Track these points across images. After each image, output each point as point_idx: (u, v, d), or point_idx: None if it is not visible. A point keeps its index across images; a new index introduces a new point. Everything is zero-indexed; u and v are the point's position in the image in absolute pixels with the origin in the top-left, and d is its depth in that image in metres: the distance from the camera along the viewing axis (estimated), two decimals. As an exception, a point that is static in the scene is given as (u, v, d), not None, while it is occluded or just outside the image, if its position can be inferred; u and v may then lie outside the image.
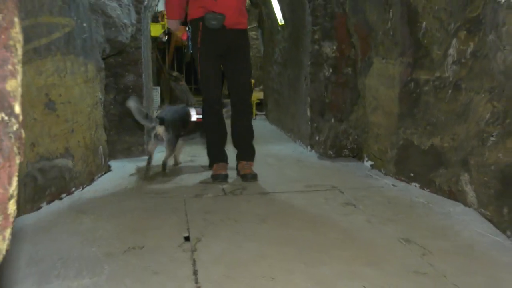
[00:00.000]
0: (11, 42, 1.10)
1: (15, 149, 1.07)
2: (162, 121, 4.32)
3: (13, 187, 1.08)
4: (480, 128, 3.25)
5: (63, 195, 3.61)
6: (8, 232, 1.10)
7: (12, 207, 1.10)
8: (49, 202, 3.44)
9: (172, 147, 4.46)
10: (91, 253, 2.63)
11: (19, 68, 1.14)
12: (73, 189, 3.75)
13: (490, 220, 3.08)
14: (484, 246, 2.75)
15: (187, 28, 4.17)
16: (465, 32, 3.48)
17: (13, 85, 1.12)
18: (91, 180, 4.06)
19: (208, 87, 4.20)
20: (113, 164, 4.69)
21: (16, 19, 1.14)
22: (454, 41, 3.57)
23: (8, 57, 1.09)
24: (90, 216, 3.25)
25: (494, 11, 3.02)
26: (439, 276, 2.37)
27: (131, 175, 4.42)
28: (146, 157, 5.11)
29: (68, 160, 3.71)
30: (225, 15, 3.93)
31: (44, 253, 2.59)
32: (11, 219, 1.10)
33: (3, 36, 1.07)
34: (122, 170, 4.55)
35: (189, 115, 4.56)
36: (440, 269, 2.44)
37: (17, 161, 1.10)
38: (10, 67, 1.10)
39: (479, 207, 3.23)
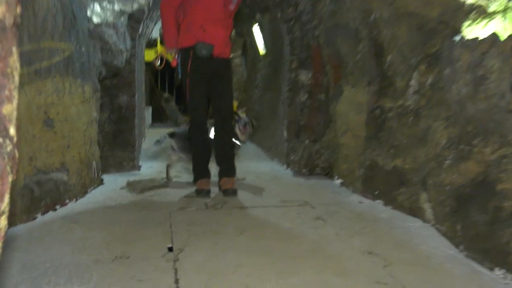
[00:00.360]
0: (8, 70, 1.09)
1: (8, 168, 1.06)
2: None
3: (5, 204, 1.06)
4: (437, 152, 3.29)
5: (58, 206, 3.56)
6: (-1, 245, 1.08)
7: (3, 222, 1.08)
8: (44, 213, 3.39)
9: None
10: (81, 261, 2.58)
11: (15, 93, 1.13)
12: (67, 200, 3.70)
13: (445, 235, 3.11)
14: (440, 259, 2.76)
15: (176, 56, 4.18)
16: (425, 65, 3.54)
17: (9, 109, 1.11)
18: (84, 193, 4.01)
19: (196, 110, 4.19)
20: (106, 177, 4.64)
21: (14, 49, 1.13)
22: (415, 73, 3.63)
23: (6, 83, 1.08)
24: (82, 226, 3.20)
25: (450, 48, 3.08)
26: (399, 286, 2.37)
27: (122, 188, 4.38)
28: (137, 172, 5.10)
29: (63, 174, 3.67)
30: (214, 46, 3.96)
31: (37, 261, 2.54)
32: (2, 233, 1.08)
33: (1, 64, 1.06)
34: (113, 184, 4.50)
35: None
36: (400, 279, 2.45)
37: (10, 180, 1.08)
38: (7, 92, 1.09)
39: (436, 223, 3.25)
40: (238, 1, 4.14)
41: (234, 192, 4.15)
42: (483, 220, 2.73)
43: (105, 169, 4.79)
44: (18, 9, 1.17)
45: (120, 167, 5.03)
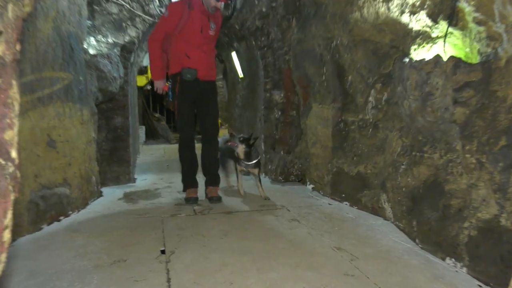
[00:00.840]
0: (9, 101, 1.08)
1: (10, 187, 1.04)
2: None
3: (8, 219, 1.05)
4: (393, 158, 3.33)
5: (61, 217, 3.50)
6: (3, 256, 1.06)
7: (6, 235, 1.06)
8: (49, 224, 3.33)
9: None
10: (82, 266, 2.54)
11: (15, 121, 1.12)
12: (70, 212, 3.63)
13: (403, 231, 3.14)
14: (399, 251, 2.79)
15: (167, 82, 4.18)
16: (380, 84, 3.59)
17: (10, 135, 1.09)
18: (85, 204, 3.95)
19: (184, 127, 4.15)
20: (104, 190, 4.58)
21: (14, 82, 1.12)
22: (373, 91, 3.68)
23: (7, 113, 1.07)
24: (83, 235, 3.15)
25: (400, 69, 3.14)
26: (363, 277, 2.38)
27: (119, 199, 4.32)
28: (132, 184, 5.04)
29: (66, 188, 3.61)
30: (198, 70, 3.95)
31: (42, 267, 2.49)
32: (6, 245, 1.06)
33: (2, 96, 1.05)
34: (112, 195, 4.44)
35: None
36: (364, 271, 2.46)
37: (12, 198, 1.07)
38: (8, 120, 1.08)
39: (395, 221, 3.29)
40: (216, 28, 4.11)
41: (218, 199, 4.14)
42: (434, 216, 2.77)
43: (104, 182, 4.73)
44: (18, 47, 1.16)
45: (117, 181, 4.97)
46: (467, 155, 2.49)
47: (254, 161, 4.28)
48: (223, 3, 3.96)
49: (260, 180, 4.40)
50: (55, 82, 3.51)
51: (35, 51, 3.19)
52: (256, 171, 4.35)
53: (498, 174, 2.27)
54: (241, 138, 4.23)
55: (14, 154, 1.07)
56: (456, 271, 2.46)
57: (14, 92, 1.08)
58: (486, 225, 2.34)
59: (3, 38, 1.02)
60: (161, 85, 4.16)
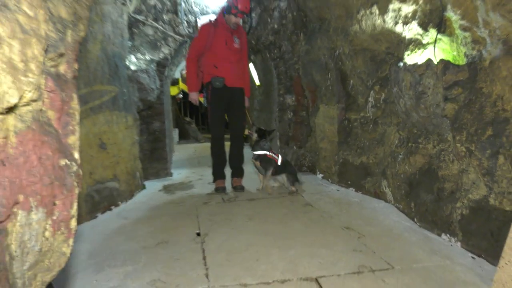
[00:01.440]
0: (71, 111, 1.10)
1: (75, 183, 1.06)
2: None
3: (74, 210, 1.06)
4: (392, 149, 3.28)
5: (113, 207, 3.54)
6: (71, 241, 1.08)
7: (73, 223, 1.07)
8: (102, 213, 3.38)
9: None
10: (132, 248, 2.57)
11: (77, 127, 1.13)
12: (119, 202, 3.68)
13: (402, 212, 3.09)
14: (400, 230, 2.75)
15: (203, 91, 4.19)
16: (378, 86, 3.54)
17: (73, 139, 1.11)
18: (131, 196, 3.99)
19: (215, 128, 4.16)
20: (147, 183, 4.62)
21: (74, 95, 1.13)
22: (372, 92, 3.63)
23: (70, 121, 1.08)
24: (131, 221, 3.18)
25: (396, 72, 3.08)
26: (370, 252, 2.35)
27: (159, 190, 4.35)
28: (169, 177, 5.08)
29: (115, 183, 3.65)
30: (225, 78, 3.97)
31: (100, 249, 2.53)
32: (73, 232, 1.08)
33: (66, 107, 1.06)
34: (153, 188, 4.48)
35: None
36: (371, 247, 2.43)
37: (76, 192, 1.08)
38: (71, 127, 1.09)
39: (395, 203, 3.24)
40: (241, 42, 4.09)
41: (242, 188, 4.15)
42: (430, 198, 2.72)
43: (146, 177, 4.77)
44: (76, 66, 1.17)
45: (157, 175, 5.01)
46: (458, 145, 2.43)
47: (257, 152, 4.04)
48: (240, 18, 3.94)
49: (264, 175, 4.07)
50: (104, 94, 3.55)
51: (87, 68, 3.23)
52: (257, 163, 4.08)
53: (486, 160, 2.21)
54: (257, 129, 4.17)
55: (76, 155, 1.09)
56: (451, 245, 2.41)
57: (75, 103, 1.10)
58: (477, 205, 2.29)
59: (64, 59, 1.03)
60: (194, 96, 4.16)
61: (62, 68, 1.04)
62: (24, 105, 0.83)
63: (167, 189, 4.42)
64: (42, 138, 0.89)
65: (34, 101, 0.85)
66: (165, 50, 4.81)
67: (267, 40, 5.04)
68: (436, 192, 2.67)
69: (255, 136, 4.13)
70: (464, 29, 2.45)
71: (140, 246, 2.60)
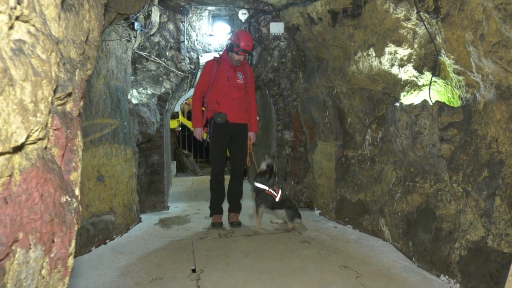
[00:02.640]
0: (75, 148, 1.11)
1: (74, 220, 1.05)
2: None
3: (72, 247, 1.05)
4: (389, 187, 3.28)
5: (107, 241, 3.48)
6: (67, 279, 1.06)
7: (70, 261, 1.06)
8: (97, 246, 3.32)
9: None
10: (126, 284, 2.51)
11: (79, 164, 1.14)
12: (114, 236, 3.62)
13: (400, 251, 3.05)
14: (398, 269, 2.70)
15: (207, 126, 4.17)
16: (375, 125, 3.59)
17: (75, 176, 1.12)
18: (127, 229, 3.94)
19: (215, 164, 4.15)
20: (143, 216, 4.57)
21: (79, 132, 1.15)
22: (369, 130, 3.67)
23: (73, 158, 1.09)
24: (126, 256, 3.12)
25: (393, 112, 3.14)
26: (369, 293, 2.31)
27: (156, 224, 4.29)
28: (166, 211, 5.02)
29: (111, 216, 3.61)
30: (226, 114, 3.98)
31: (93, 285, 2.47)
32: (69, 270, 1.06)
33: (69, 144, 1.08)
34: (149, 221, 4.42)
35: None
36: (369, 287, 2.38)
37: (75, 229, 1.08)
38: (74, 164, 1.10)
39: (393, 241, 3.20)
40: (245, 78, 4.10)
41: (238, 224, 4.10)
42: (428, 238, 2.69)
43: (142, 210, 4.73)
44: (81, 103, 1.20)
45: (153, 208, 4.96)
46: (455, 185, 2.44)
47: (258, 185, 3.96)
48: (242, 56, 3.97)
49: (256, 210, 3.99)
50: (105, 127, 3.58)
51: (89, 102, 3.28)
52: (254, 195, 4.05)
53: (483, 201, 2.21)
54: (268, 163, 4.03)
55: (77, 192, 1.09)
56: (450, 287, 2.37)
57: (79, 140, 1.11)
58: (475, 246, 2.27)
59: (72, 98, 1.06)
60: (199, 132, 4.15)
61: (69, 107, 1.07)
62: (31, 143, 0.84)
63: (163, 222, 4.36)
64: (46, 176, 0.90)
65: (40, 139, 0.87)
66: (167, 85, 4.90)
67: (266, 77, 5.15)
68: (434, 231, 2.65)
69: (263, 167, 4.04)
70: (458, 73, 2.52)
71: (134, 282, 2.54)
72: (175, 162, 9.68)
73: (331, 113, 4.31)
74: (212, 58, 4.15)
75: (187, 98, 8.37)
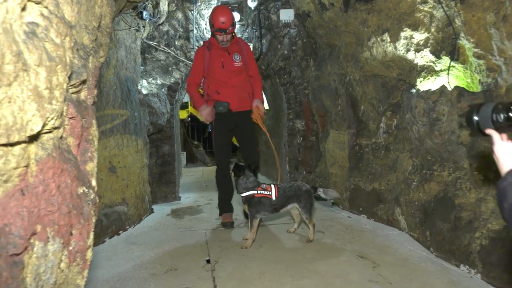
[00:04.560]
0: (90, 137, 1.08)
1: (92, 212, 1.03)
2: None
3: (90, 240, 1.03)
4: (405, 176, 3.22)
5: (120, 232, 3.49)
6: (86, 272, 1.04)
7: (89, 254, 1.04)
8: (110, 237, 3.32)
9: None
10: (141, 275, 2.51)
11: (95, 154, 1.11)
12: (127, 227, 3.63)
13: (417, 240, 3.00)
14: (416, 259, 2.66)
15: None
16: (390, 112, 3.51)
17: (91, 166, 1.08)
18: (139, 220, 3.94)
19: (219, 156, 3.84)
20: (155, 207, 4.57)
21: (94, 121, 1.11)
22: (383, 118, 3.60)
23: (88, 147, 1.06)
24: (139, 246, 3.12)
25: (408, 99, 3.06)
26: (386, 283, 2.27)
27: (168, 215, 4.29)
28: (177, 201, 5.00)
29: (124, 207, 3.62)
30: (229, 102, 3.64)
31: (108, 276, 2.47)
32: (88, 263, 1.04)
33: (85, 134, 1.04)
34: (161, 212, 4.42)
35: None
36: (387, 277, 2.35)
37: (93, 221, 1.05)
38: (89, 154, 1.07)
39: (409, 231, 3.15)
40: (243, 59, 3.69)
41: None
42: (446, 227, 2.63)
43: (154, 201, 4.72)
44: (95, 92, 1.16)
45: (165, 199, 4.96)
46: (475, 172, 2.37)
47: (244, 194, 3.19)
48: (223, 35, 3.49)
49: (250, 224, 3.15)
50: (115, 118, 3.56)
51: (100, 93, 3.25)
52: (245, 207, 3.24)
53: (505, 189, 2.14)
54: (234, 166, 3.33)
55: (94, 182, 1.06)
56: (471, 277, 2.32)
57: (94, 129, 1.08)
58: (497, 235, 2.21)
59: (86, 85, 1.02)
60: (205, 110, 3.67)
61: (83, 95, 1.03)
62: (46, 133, 0.81)
63: (175, 213, 4.36)
64: (62, 166, 0.87)
65: (56, 128, 0.83)
66: (176, 75, 4.86)
67: (277, 65, 5.08)
68: (452, 220, 2.59)
69: (233, 172, 3.32)
70: (478, 56, 2.44)
71: (149, 273, 2.53)
72: (185, 152, 9.69)
73: (343, 101, 4.23)
74: (202, 44, 3.80)
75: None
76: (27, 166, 0.75)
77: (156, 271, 2.56)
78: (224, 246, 3.07)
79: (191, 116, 11.29)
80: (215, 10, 3.54)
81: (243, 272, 2.50)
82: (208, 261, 2.73)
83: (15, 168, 0.70)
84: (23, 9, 0.67)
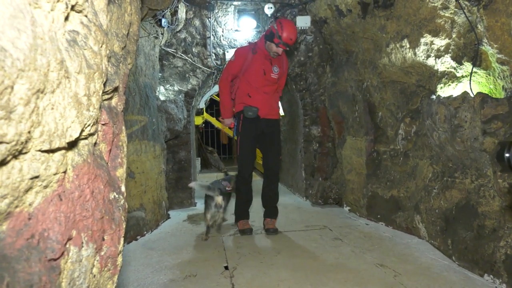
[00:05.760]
0: (120, 143, 1.09)
1: (122, 217, 1.03)
2: (220, 193, 3.60)
3: (121, 245, 1.03)
4: (425, 183, 3.17)
5: (138, 237, 3.51)
6: (116, 278, 1.04)
7: (119, 259, 1.04)
8: (128, 242, 3.35)
9: (225, 211, 3.80)
10: (160, 280, 2.51)
11: (125, 160, 1.12)
12: (145, 232, 3.65)
13: (438, 249, 2.94)
14: (437, 268, 2.60)
15: (233, 119, 3.86)
16: (409, 118, 3.47)
17: (121, 172, 1.09)
18: (157, 226, 3.96)
19: (243, 163, 3.75)
20: (172, 213, 4.59)
21: (123, 127, 1.13)
22: (402, 124, 3.56)
23: (119, 153, 1.07)
24: (158, 252, 3.13)
25: (429, 105, 3.02)
26: (409, 292, 2.23)
27: (184, 220, 4.31)
28: (194, 207, 5.01)
29: (142, 212, 3.64)
30: (259, 108, 3.62)
31: (128, 282, 2.48)
32: (119, 268, 1.04)
33: (115, 140, 1.05)
34: (178, 217, 4.43)
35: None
36: (409, 287, 2.30)
37: (124, 226, 1.05)
38: (119, 160, 1.08)
39: (429, 239, 3.09)
40: (280, 72, 3.74)
41: (275, 231, 3.65)
42: (469, 236, 2.58)
43: (170, 206, 4.75)
44: (124, 98, 1.18)
45: (181, 205, 4.98)
46: (500, 180, 2.32)
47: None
48: (281, 49, 3.57)
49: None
50: (134, 124, 3.60)
51: (120, 99, 3.30)
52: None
53: (532, 198, 2.09)
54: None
55: (123, 188, 1.07)
56: (496, 287, 2.26)
57: (123, 136, 1.09)
58: (523, 245, 2.15)
59: (117, 92, 1.03)
60: (228, 122, 3.84)
61: (114, 101, 1.04)
62: (83, 139, 0.82)
63: (192, 219, 4.37)
64: (96, 172, 0.88)
65: (91, 134, 0.84)
66: (193, 81, 4.90)
67: (293, 72, 5.08)
68: (476, 229, 2.53)
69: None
70: (502, 62, 2.39)
71: (168, 279, 2.53)
72: (199, 158, 9.74)
73: (360, 107, 4.20)
74: (247, 44, 3.79)
75: (212, 94, 8.33)
76: (64, 172, 0.76)
77: (175, 277, 2.56)
78: (242, 252, 3.06)
79: (205, 122, 11.38)
80: (287, 25, 3.49)
81: (262, 279, 2.48)
82: (226, 268, 2.72)
83: (55, 174, 0.71)
84: (66, 18, 0.68)
